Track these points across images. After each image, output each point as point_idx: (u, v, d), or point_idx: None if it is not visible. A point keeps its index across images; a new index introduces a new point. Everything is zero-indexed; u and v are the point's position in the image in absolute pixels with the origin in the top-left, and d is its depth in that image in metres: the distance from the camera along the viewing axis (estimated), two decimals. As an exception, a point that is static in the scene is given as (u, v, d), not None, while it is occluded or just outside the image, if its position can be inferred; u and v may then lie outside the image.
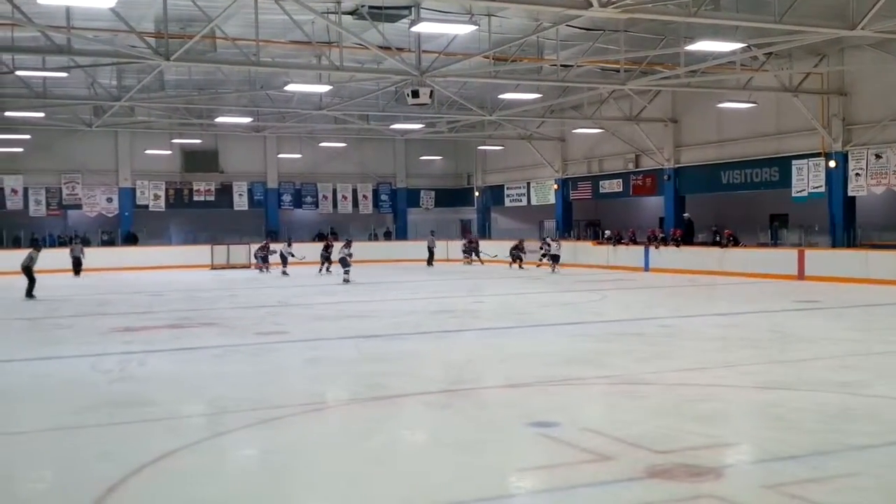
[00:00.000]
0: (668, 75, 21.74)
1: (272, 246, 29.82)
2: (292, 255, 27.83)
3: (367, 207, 39.41)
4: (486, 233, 39.15)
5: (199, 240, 34.12)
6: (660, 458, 5.70)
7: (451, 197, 41.45)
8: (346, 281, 23.24)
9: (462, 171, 41.35)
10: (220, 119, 29.64)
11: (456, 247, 35.10)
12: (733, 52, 19.34)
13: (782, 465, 5.59)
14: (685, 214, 28.54)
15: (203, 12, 16.57)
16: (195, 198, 36.28)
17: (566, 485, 5.25)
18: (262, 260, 29.51)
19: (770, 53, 22.06)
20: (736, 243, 25.31)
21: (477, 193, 40.41)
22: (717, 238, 26.05)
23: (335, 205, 38.72)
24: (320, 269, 27.99)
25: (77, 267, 28.31)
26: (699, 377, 8.84)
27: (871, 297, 17.63)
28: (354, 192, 39.06)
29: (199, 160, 36.30)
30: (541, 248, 29.30)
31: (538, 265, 29.02)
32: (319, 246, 29.46)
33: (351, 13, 18.20)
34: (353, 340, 11.83)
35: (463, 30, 17.20)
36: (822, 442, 6.11)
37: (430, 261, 33.24)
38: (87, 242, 31.87)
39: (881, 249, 22.03)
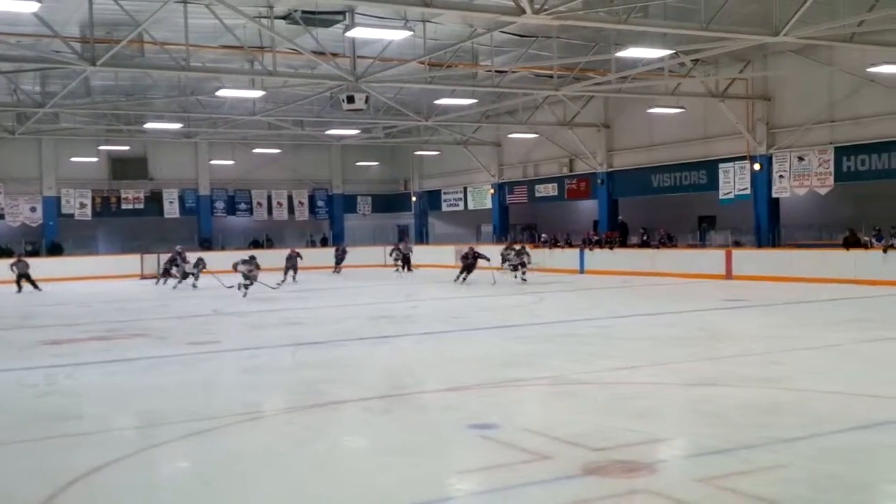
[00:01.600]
0: (600, 81, 22.15)
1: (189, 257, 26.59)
2: (184, 265, 25.20)
3: (303, 214, 39.02)
4: (423, 237, 39.17)
5: (128, 249, 33.22)
6: (596, 455, 5.79)
7: (387, 202, 41.36)
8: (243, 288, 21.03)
9: (399, 176, 41.31)
10: (149, 125, 28.97)
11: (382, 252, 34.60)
12: (662, 59, 19.83)
13: (714, 458, 5.75)
14: (619, 217, 29.12)
15: (130, 16, 16.18)
16: (123, 206, 35.33)
17: (505, 485, 5.29)
18: (164, 272, 26.87)
19: (697, 60, 22.69)
20: (670, 239, 25.94)
21: (414, 198, 40.43)
22: (646, 239, 26.63)
23: (270, 211, 38.24)
24: (284, 279, 27.23)
25: (29, 280, 25.79)
26: (633, 376, 9.01)
27: (795, 294, 18.24)
28: (290, 198, 38.64)
29: (127, 167, 35.38)
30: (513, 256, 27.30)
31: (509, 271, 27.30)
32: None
33: (284, 18, 18.01)
34: (289, 348, 11.69)
35: (398, 35, 17.17)
36: (751, 435, 6.28)
37: (408, 266, 31.98)
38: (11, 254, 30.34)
39: (804, 248, 22.87)
